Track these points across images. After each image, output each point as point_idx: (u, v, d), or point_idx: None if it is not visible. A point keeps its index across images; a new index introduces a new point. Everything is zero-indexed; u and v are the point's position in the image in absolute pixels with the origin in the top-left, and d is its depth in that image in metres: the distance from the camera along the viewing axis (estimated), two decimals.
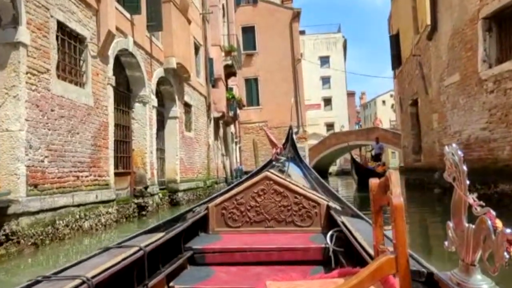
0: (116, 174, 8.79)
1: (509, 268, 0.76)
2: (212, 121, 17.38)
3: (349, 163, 32.60)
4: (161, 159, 11.82)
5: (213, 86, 17.69)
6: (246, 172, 19.23)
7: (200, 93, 15.33)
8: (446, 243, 0.92)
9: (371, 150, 18.26)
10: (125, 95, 9.42)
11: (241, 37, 29.06)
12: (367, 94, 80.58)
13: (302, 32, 40.69)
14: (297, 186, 2.70)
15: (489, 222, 0.77)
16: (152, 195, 9.66)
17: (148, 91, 9.84)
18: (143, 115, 9.66)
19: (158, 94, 11.90)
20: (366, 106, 77.09)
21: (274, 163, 3.70)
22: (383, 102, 72.11)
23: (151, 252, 1.78)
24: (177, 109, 12.11)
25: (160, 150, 11.74)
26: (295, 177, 3.30)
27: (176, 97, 12.11)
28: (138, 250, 1.68)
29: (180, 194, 11.97)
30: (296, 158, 4.20)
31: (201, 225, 2.66)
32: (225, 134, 20.57)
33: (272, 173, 2.76)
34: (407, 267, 0.92)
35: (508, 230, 0.74)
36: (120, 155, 9.05)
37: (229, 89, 21.52)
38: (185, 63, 11.89)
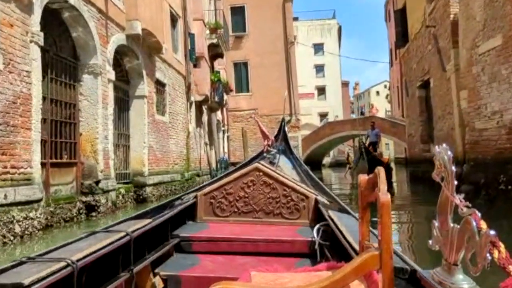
0: (53, 165, 6.74)
1: (491, 269, 0.75)
2: (194, 105, 15.29)
3: (343, 154, 30.85)
4: (125, 147, 9.75)
5: (195, 66, 15.59)
6: (233, 163, 17.29)
7: (178, 72, 13.22)
8: (430, 241, 0.91)
9: (366, 138, 15.93)
10: (69, 64, 7.31)
11: (229, 18, 26.86)
12: (361, 86, 79.12)
13: (296, 19, 38.47)
14: (286, 178, 2.70)
15: (474, 223, 0.77)
16: (105, 191, 7.61)
17: (101, 59, 7.74)
18: (94, 90, 7.56)
19: (122, 68, 9.80)
20: (360, 96, 75.79)
21: (265, 154, 3.61)
22: (377, 92, 70.81)
23: (138, 238, 1.78)
24: (145, 87, 10.01)
25: (123, 135, 9.66)
26: (285, 170, 3.30)
27: (144, 73, 10.01)
28: (125, 236, 1.68)
29: (148, 189, 9.92)
30: (287, 151, 4.12)
31: (189, 213, 2.64)
32: (210, 121, 18.49)
33: (262, 164, 2.76)
34: (390, 264, 0.93)
35: (492, 232, 0.74)
36: (60, 141, 6.97)
37: (215, 72, 19.41)
38: (155, 31, 9.78)
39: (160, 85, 11.47)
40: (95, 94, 7.56)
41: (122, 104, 9.60)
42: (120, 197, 8.70)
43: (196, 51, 15.57)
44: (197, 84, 15.39)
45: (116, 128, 9.20)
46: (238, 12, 27.31)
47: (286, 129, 4.61)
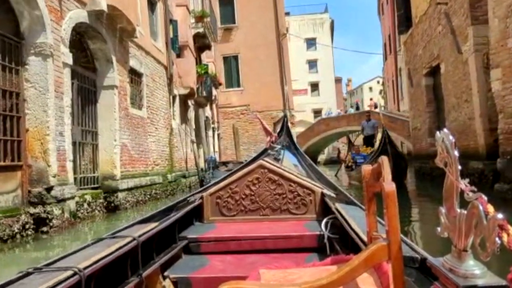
0: None
1: (501, 253, 0.73)
2: (178, 99, 13.87)
3: (337, 152, 29.27)
4: (93, 145, 8.31)
5: (178, 56, 14.17)
6: (224, 163, 15.84)
7: (158, 61, 11.77)
8: (438, 229, 0.89)
9: (361, 131, 14.12)
10: (9, 42, 5.87)
11: (218, 9, 25.42)
12: (353, 83, 78.20)
13: (287, 13, 37.10)
14: (291, 174, 2.70)
15: (481, 207, 0.75)
16: (60, 200, 6.18)
17: (53, 38, 6.30)
18: (43, 76, 6.12)
19: (87, 53, 8.36)
20: (353, 93, 75.13)
21: (269, 151, 3.55)
22: (370, 88, 70.15)
23: (145, 242, 1.77)
24: (115, 75, 8.57)
25: (90, 132, 8.22)
26: (290, 165, 3.32)
27: (114, 59, 8.57)
28: (132, 240, 1.66)
29: (121, 194, 8.49)
30: (291, 146, 3.99)
31: (196, 214, 2.64)
32: (197, 117, 17.06)
33: (266, 161, 2.76)
34: (399, 254, 0.92)
35: (499, 215, 0.73)
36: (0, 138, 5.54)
37: (202, 65, 17.98)
38: (125, 9, 8.34)
39: (135, 75, 10.03)
40: (45, 80, 6.12)
41: (88, 95, 8.16)
42: (85, 205, 7.26)
43: (180, 40, 14.14)
44: (181, 76, 13.95)
45: (79, 123, 7.76)
46: (226, 2, 25.87)
47: (290, 125, 4.39)
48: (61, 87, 6.53)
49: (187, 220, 2.49)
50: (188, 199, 2.69)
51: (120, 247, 1.56)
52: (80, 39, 8.06)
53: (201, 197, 2.67)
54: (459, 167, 0.81)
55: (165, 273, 1.95)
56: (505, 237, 0.72)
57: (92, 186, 8.17)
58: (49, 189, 6.05)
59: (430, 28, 11.53)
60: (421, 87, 12.93)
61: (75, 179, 7.44)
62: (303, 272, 1.30)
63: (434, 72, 11.80)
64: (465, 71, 8.91)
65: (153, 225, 1.98)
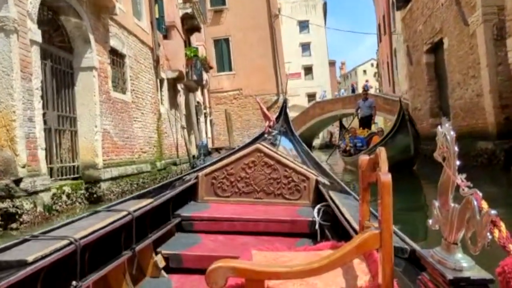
0: None
1: (490, 248, 0.75)
2: (166, 83, 13.15)
3: (330, 135, 28.29)
4: (71, 132, 7.64)
5: (165, 37, 13.40)
6: (217, 149, 15.23)
7: (142, 42, 11.03)
8: (430, 221, 0.91)
9: (357, 112, 12.73)
10: None
11: None
12: (347, 66, 77.46)
13: None
14: (287, 159, 2.71)
15: (475, 203, 0.77)
16: (31, 193, 5.54)
17: (16, 11, 5.58)
18: (7, 54, 5.41)
19: (62, 32, 7.63)
20: (347, 76, 74.56)
21: (266, 135, 3.53)
22: (364, 71, 69.59)
23: (140, 217, 1.81)
24: (93, 56, 7.85)
25: (68, 118, 7.54)
26: (286, 151, 3.34)
27: (92, 38, 7.84)
28: (127, 215, 1.69)
29: (104, 184, 7.85)
30: (288, 132, 4.00)
31: (191, 193, 2.66)
32: (188, 102, 16.35)
33: (263, 145, 2.78)
34: (390, 243, 0.92)
35: (493, 211, 0.74)
36: None
37: (191, 47, 17.20)
38: None
39: (117, 56, 9.31)
40: (8, 59, 5.41)
41: (64, 78, 7.46)
42: (64, 197, 6.64)
43: (166, 20, 13.38)
44: (168, 58, 13.21)
45: (54, 108, 7.08)
46: None
47: (288, 110, 4.38)
48: (29, 67, 5.83)
49: (181, 199, 2.52)
50: (184, 178, 2.73)
51: (115, 220, 1.59)
52: (53, 16, 7.33)
53: (197, 177, 2.69)
54: (458, 162, 0.81)
55: (158, 249, 1.98)
56: (496, 233, 0.74)
57: (73, 176, 7.53)
58: (17, 181, 5.40)
59: (431, 1, 10.86)
60: (421, 65, 12.31)
61: (51, 169, 6.80)
62: (295, 256, 1.31)
63: (435, 48, 11.17)
64: (471, 44, 8.30)
65: (148, 201, 2.01)
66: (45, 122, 6.57)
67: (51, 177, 6.68)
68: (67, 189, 6.81)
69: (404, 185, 6.90)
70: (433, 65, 11.63)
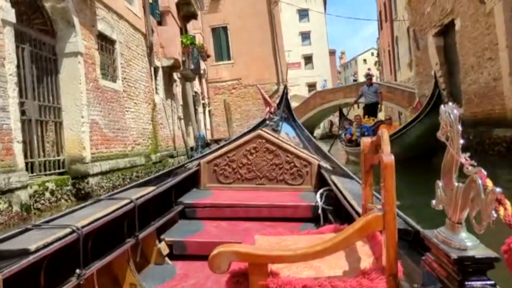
0: None
1: (495, 227, 0.73)
2: (161, 72, 12.51)
3: (330, 124, 27.42)
4: (55, 124, 7.04)
5: (160, 23, 12.74)
6: (216, 141, 14.62)
7: (134, 27, 10.38)
8: (433, 201, 0.90)
9: (358, 99, 11.87)
10: None
11: None
12: (346, 56, 76.56)
13: None
14: (289, 145, 2.72)
15: (480, 181, 0.75)
16: (5, 191, 4.95)
17: None
18: None
19: (43, 14, 6.99)
20: (347, 66, 73.87)
21: (267, 122, 3.53)
22: (364, 60, 68.76)
23: (142, 205, 1.84)
24: (78, 40, 7.22)
25: (51, 108, 6.93)
26: (288, 137, 3.34)
27: (77, 21, 7.21)
28: (129, 203, 1.71)
29: (93, 180, 7.27)
30: (290, 118, 3.98)
31: (193, 180, 2.67)
32: (185, 92, 15.73)
33: (264, 131, 2.78)
34: (393, 225, 0.91)
35: (498, 189, 0.73)
36: None
37: (188, 35, 16.53)
38: None
39: (106, 42, 8.66)
40: None
41: (46, 64, 6.83)
42: (47, 194, 6.08)
43: (160, 5, 12.71)
44: (163, 45, 12.56)
45: (35, 97, 6.47)
46: None
47: (289, 97, 4.35)
48: (1, 50, 5.22)
49: (184, 186, 2.52)
50: (186, 165, 2.73)
51: (118, 208, 1.62)
52: None
53: (199, 164, 2.70)
54: (461, 141, 0.80)
55: (161, 236, 2.02)
56: (501, 211, 0.72)
57: (58, 171, 6.95)
58: None
59: None
60: (430, 49, 11.66)
61: (31, 164, 6.22)
62: (298, 239, 1.30)
63: (445, 31, 10.53)
64: (488, 24, 7.67)
65: (150, 189, 2.03)
66: (23, 113, 5.98)
67: (32, 172, 6.11)
68: (50, 185, 6.24)
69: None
70: (443, 48, 10.99)
